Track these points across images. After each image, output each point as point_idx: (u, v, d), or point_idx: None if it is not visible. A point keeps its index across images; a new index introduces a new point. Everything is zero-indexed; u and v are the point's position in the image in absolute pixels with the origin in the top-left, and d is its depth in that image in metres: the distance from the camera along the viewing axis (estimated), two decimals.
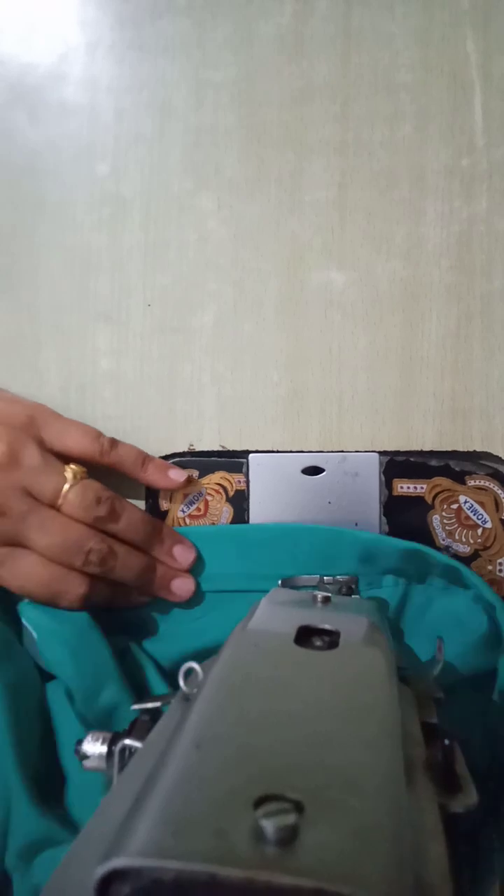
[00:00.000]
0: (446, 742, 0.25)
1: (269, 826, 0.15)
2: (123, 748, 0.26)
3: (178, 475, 0.44)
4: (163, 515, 0.45)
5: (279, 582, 0.41)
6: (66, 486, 0.39)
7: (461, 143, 0.43)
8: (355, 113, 0.44)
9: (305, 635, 0.28)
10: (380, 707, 0.23)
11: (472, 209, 0.43)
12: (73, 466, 0.40)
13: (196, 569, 0.43)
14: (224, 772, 0.18)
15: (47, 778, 0.37)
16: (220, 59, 0.44)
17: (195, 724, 0.21)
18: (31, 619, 0.39)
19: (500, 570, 0.43)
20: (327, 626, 0.28)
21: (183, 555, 0.42)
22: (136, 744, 0.26)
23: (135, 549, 0.41)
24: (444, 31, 0.43)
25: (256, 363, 0.44)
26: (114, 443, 0.42)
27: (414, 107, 0.43)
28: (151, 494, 0.45)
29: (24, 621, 0.39)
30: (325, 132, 0.44)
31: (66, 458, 0.40)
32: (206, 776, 0.18)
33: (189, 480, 0.44)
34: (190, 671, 0.25)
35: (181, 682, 0.25)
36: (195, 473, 0.45)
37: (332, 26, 0.43)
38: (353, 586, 0.40)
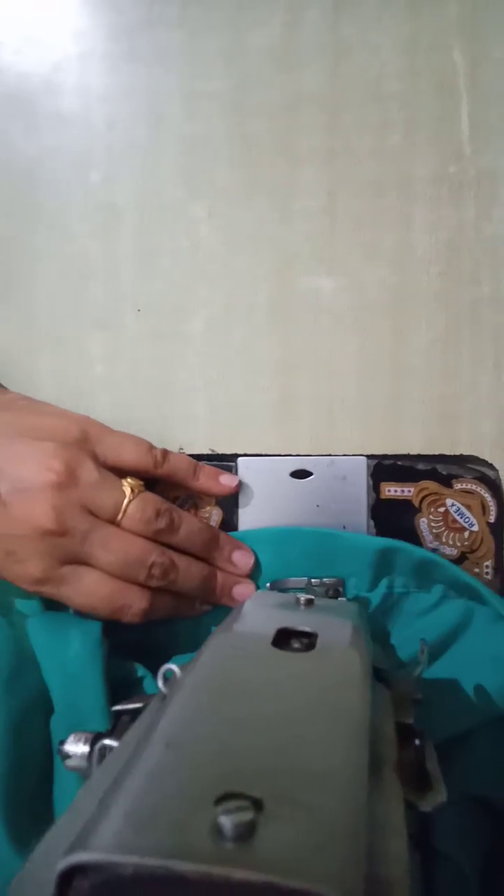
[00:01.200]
0: (417, 742, 0.26)
1: (227, 822, 0.16)
2: (103, 748, 0.27)
3: (229, 480, 0.44)
4: None
5: (268, 584, 0.42)
6: (126, 501, 0.39)
7: (448, 150, 0.44)
8: (344, 122, 0.44)
9: (284, 637, 0.28)
10: (350, 708, 0.24)
11: (459, 216, 0.44)
12: (129, 480, 0.40)
13: (254, 573, 0.43)
14: (190, 770, 0.19)
15: (41, 818, 0.35)
16: (212, 69, 0.45)
17: (167, 723, 0.21)
18: (34, 640, 0.38)
19: (487, 573, 0.43)
20: (306, 629, 0.29)
21: (242, 560, 0.42)
22: (116, 744, 0.27)
23: (194, 558, 0.41)
24: (432, 40, 0.43)
25: (247, 368, 0.45)
26: (166, 454, 0.42)
27: (402, 115, 0.44)
28: None
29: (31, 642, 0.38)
30: (315, 141, 0.44)
31: (119, 472, 0.40)
32: (172, 774, 0.19)
33: (240, 484, 0.44)
34: (169, 672, 0.26)
35: (160, 683, 0.25)
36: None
37: (321, 37, 0.44)
38: (340, 589, 0.41)
